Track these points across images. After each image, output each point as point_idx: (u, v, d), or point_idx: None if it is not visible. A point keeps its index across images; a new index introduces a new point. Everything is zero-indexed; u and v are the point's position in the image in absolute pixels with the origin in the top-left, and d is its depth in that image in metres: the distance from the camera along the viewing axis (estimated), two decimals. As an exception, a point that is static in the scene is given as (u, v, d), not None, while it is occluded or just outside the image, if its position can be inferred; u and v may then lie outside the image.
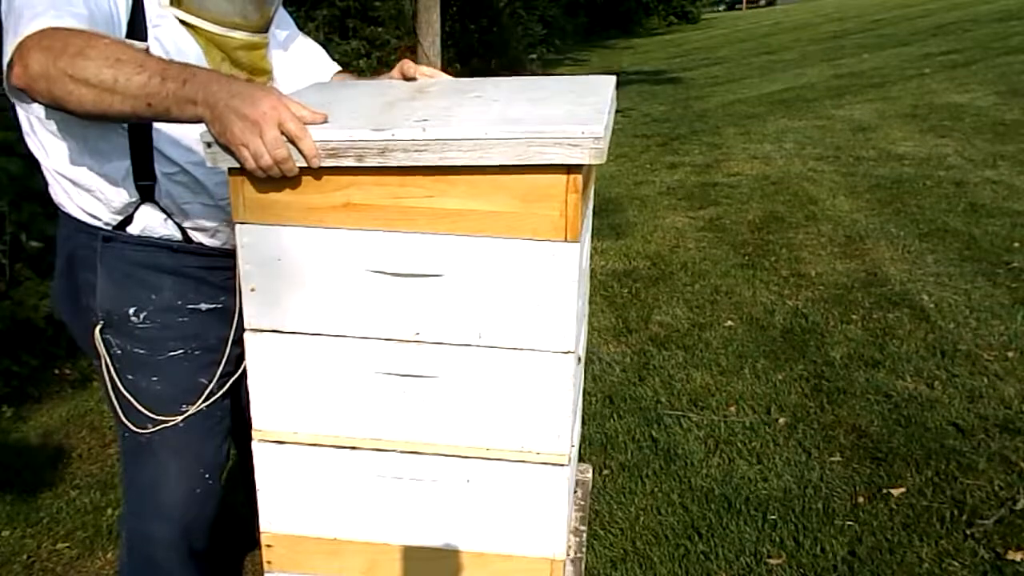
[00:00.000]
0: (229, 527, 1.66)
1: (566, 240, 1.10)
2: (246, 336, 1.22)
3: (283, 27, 1.53)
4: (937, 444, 2.37)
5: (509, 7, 12.52)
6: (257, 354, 1.22)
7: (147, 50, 1.17)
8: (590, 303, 2.44)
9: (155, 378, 1.38)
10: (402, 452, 1.24)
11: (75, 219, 1.35)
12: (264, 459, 1.28)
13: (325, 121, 1.09)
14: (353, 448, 1.24)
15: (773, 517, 2.14)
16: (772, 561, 1.99)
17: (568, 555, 1.32)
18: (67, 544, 2.26)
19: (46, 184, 1.37)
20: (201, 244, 1.38)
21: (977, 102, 7.12)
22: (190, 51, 1.29)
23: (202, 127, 1.07)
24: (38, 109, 1.24)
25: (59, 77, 1.04)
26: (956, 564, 1.91)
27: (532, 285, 1.13)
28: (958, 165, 5.32)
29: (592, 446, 2.53)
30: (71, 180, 1.31)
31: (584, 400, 2.12)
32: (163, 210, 1.33)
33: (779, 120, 7.52)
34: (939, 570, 1.90)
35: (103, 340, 1.36)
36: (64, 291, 1.42)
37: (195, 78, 1.05)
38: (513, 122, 1.07)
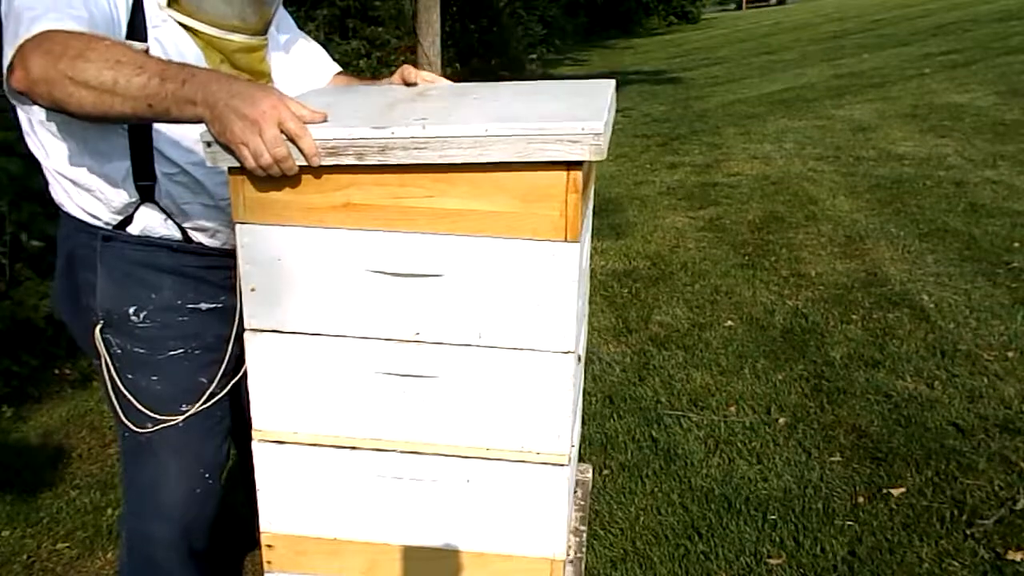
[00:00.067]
0: (229, 527, 1.66)
1: (566, 240, 1.10)
2: (246, 336, 1.22)
3: (284, 29, 1.53)
4: (937, 444, 2.37)
5: (509, 7, 12.52)
6: (257, 354, 1.22)
7: (147, 51, 1.17)
8: (590, 303, 2.44)
9: (155, 377, 1.38)
10: (402, 452, 1.24)
11: (75, 219, 1.35)
12: (264, 459, 1.28)
13: (325, 120, 1.09)
14: (353, 448, 1.25)
15: (773, 517, 2.14)
16: (772, 561, 1.99)
17: (568, 555, 1.32)
18: (67, 544, 2.25)
19: (46, 184, 1.37)
20: (201, 244, 1.38)
21: (977, 102, 7.11)
22: (190, 53, 1.29)
23: (202, 127, 1.07)
24: (38, 110, 1.24)
25: (59, 80, 1.04)
26: (956, 564, 1.91)
27: (532, 285, 1.13)
28: (958, 165, 5.32)
29: (592, 446, 2.53)
30: (71, 180, 1.31)
31: (584, 400, 2.12)
32: (163, 210, 1.33)
33: (779, 120, 7.51)
34: (939, 570, 1.90)
35: (103, 339, 1.36)
36: (64, 291, 1.42)
37: (194, 78, 1.05)
38: (513, 119, 1.07)
